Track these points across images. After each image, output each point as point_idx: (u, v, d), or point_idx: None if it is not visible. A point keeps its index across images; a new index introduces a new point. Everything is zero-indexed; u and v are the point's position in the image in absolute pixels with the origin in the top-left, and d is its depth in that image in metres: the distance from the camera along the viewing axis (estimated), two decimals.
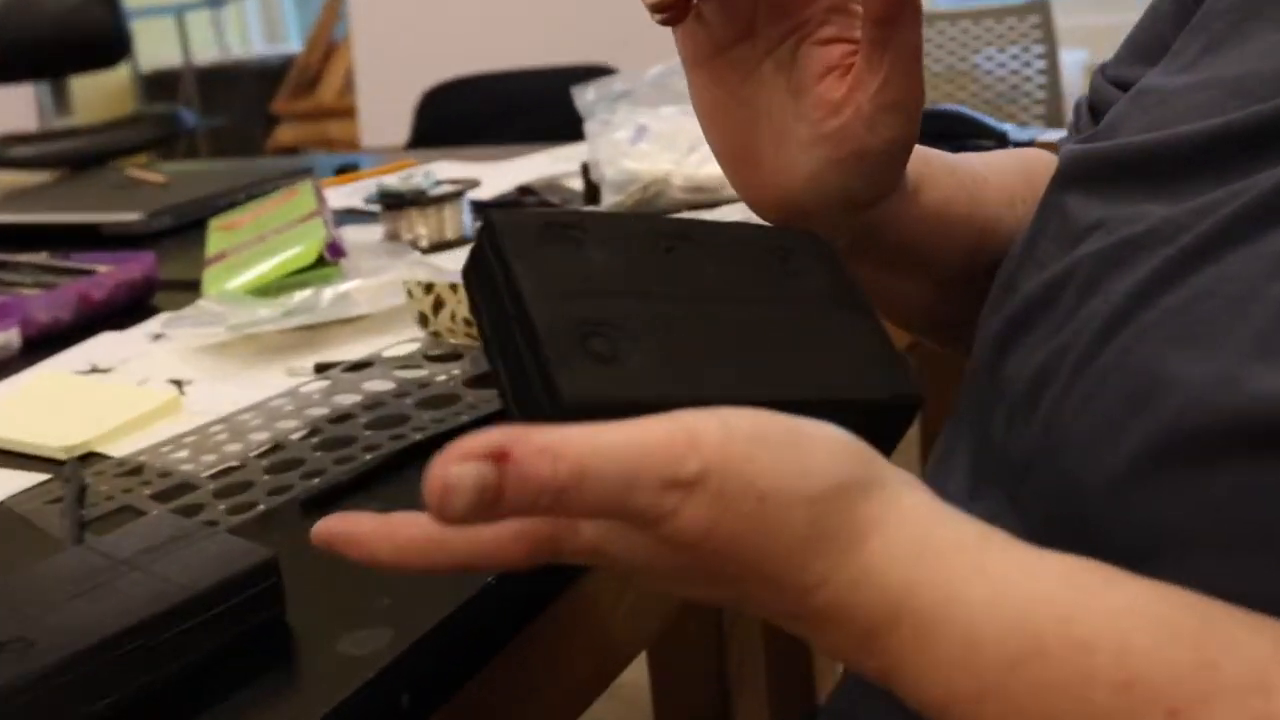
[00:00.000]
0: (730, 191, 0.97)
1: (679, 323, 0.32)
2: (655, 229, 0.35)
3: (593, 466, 0.26)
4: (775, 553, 0.27)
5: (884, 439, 0.33)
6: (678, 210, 0.94)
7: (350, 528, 0.29)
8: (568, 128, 1.48)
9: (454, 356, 0.67)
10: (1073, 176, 0.41)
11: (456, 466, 0.25)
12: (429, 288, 0.69)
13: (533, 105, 1.83)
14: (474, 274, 0.33)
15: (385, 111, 2.27)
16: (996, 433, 0.39)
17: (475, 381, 0.63)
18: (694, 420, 0.27)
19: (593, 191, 1.04)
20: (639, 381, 0.29)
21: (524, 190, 1.12)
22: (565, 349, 0.29)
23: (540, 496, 0.26)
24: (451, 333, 0.69)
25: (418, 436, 0.57)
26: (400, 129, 2.08)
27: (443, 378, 0.64)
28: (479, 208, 1.03)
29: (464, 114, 1.89)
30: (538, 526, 0.29)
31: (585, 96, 0.98)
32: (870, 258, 0.46)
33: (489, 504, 0.26)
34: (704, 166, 0.95)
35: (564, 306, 0.30)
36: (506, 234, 0.32)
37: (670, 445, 0.26)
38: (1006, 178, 0.50)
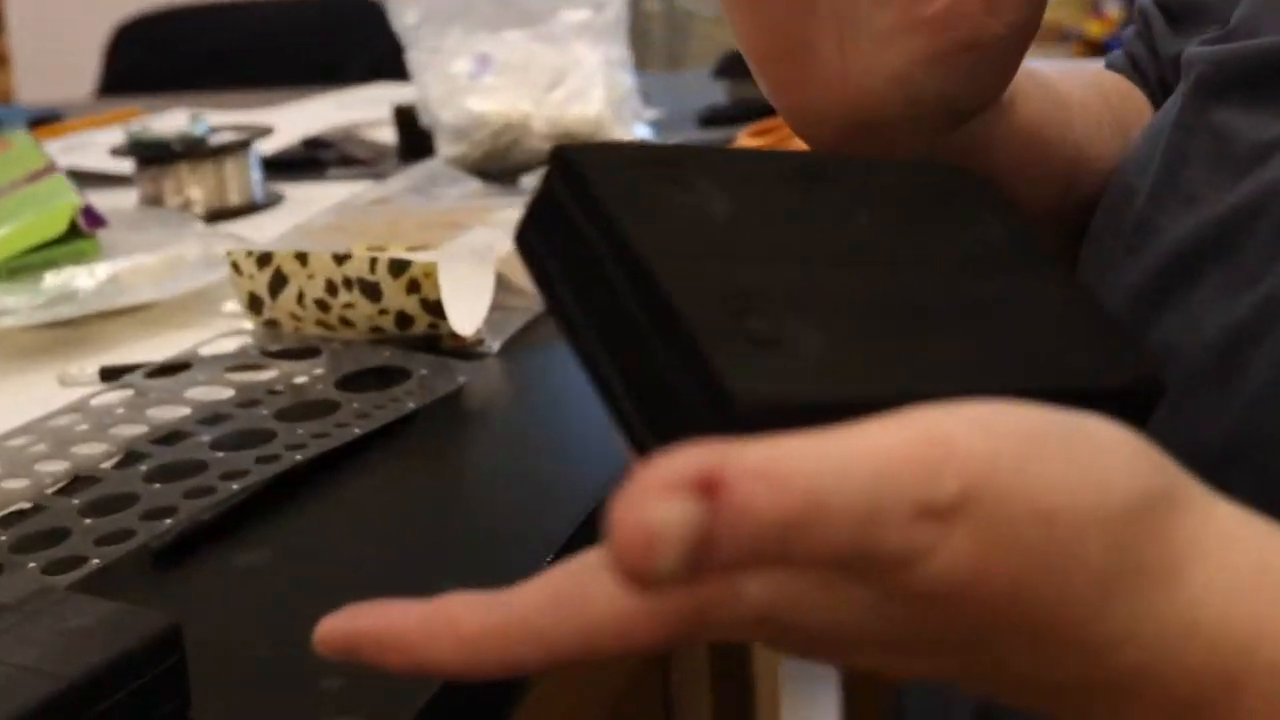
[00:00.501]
0: (609, 133, 0.94)
1: (850, 291, 0.30)
2: (777, 166, 0.33)
3: (832, 495, 0.23)
4: (1066, 597, 0.25)
5: None
6: (535, 161, 0.92)
7: (385, 624, 0.26)
8: (338, 69, 1.42)
9: (308, 352, 0.63)
10: (1219, 86, 0.41)
11: (659, 506, 0.22)
12: (264, 260, 0.63)
13: (275, 42, 1.75)
14: (543, 234, 0.30)
15: (51, 55, 2.13)
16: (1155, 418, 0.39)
17: (349, 383, 0.60)
18: (941, 422, 0.25)
19: (415, 142, 1.01)
20: (830, 374, 0.27)
21: (315, 144, 1.07)
22: (719, 333, 0.26)
23: (763, 542, 0.23)
24: (298, 320, 0.65)
25: (298, 457, 0.53)
26: (74, 77, 1.96)
27: (302, 379, 0.60)
28: (277, 166, 0.97)
29: (178, 54, 1.78)
30: (681, 595, 0.25)
31: (405, 18, 0.93)
32: None
33: (704, 557, 0.22)
34: (571, 106, 0.92)
35: (701, 273, 0.28)
36: (596, 173, 0.29)
37: (919, 459, 0.24)
38: (1087, 95, 0.49)
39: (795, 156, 0.34)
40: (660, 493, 0.22)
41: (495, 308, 0.66)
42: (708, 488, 0.22)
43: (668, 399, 0.27)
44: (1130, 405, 0.32)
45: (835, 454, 0.24)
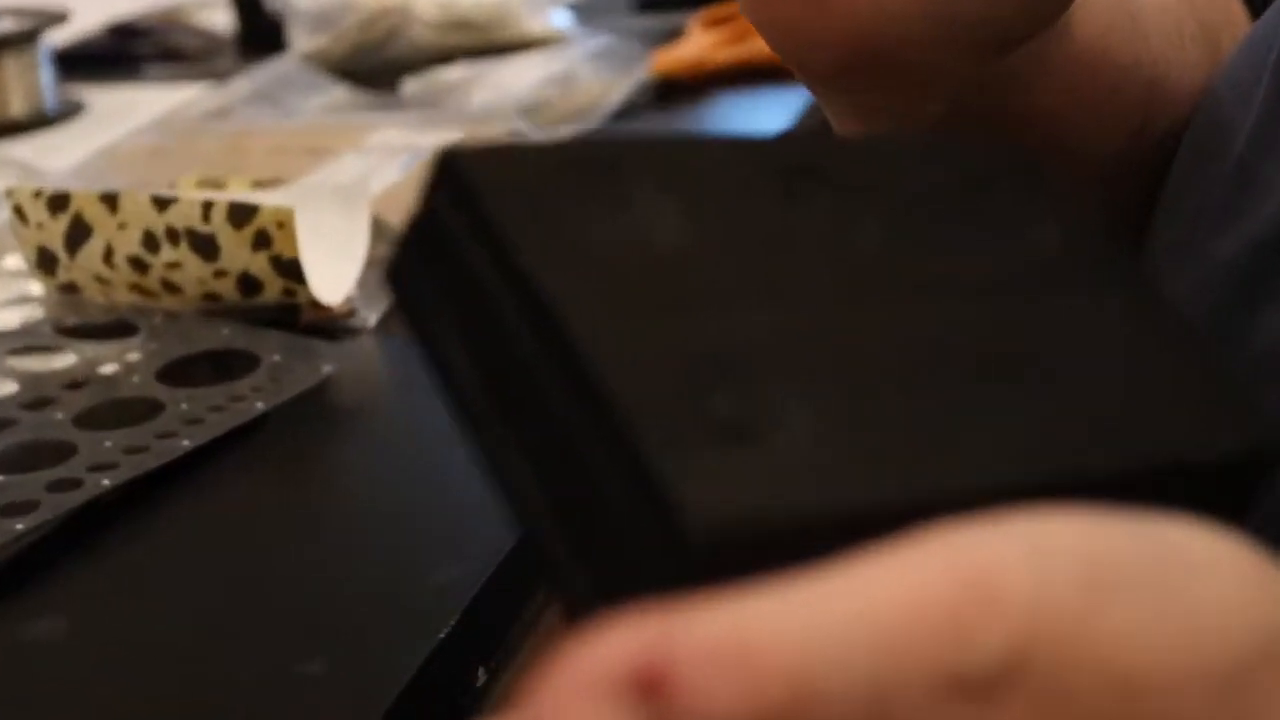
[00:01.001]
0: (512, 29, 0.92)
1: (852, 342, 0.28)
2: (750, 161, 0.31)
3: (825, 679, 0.22)
4: None
5: (1227, 513, 0.30)
6: (422, 60, 0.89)
7: None
8: None
9: (119, 329, 0.60)
10: None
11: (582, 709, 0.22)
12: (58, 202, 0.61)
13: None
14: (423, 272, 0.28)
15: None
16: None
17: (175, 373, 0.56)
18: (974, 550, 0.23)
19: (260, 30, 0.98)
20: (827, 477, 0.25)
21: (125, 32, 1.03)
22: (667, 421, 0.25)
23: None
24: (105, 284, 0.62)
25: (105, 483, 0.50)
26: None
27: (111, 368, 0.57)
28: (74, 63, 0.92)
29: None
30: None
31: None
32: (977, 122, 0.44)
33: None
34: None
35: (641, 332, 0.26)
36: (496, 187, 0.27)
37: (945, 610, 0.23)
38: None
39: (775, 146, 0.32)
40: (583, 695, 0.22)
41: (371, 266, 0.63)
42: (649, 685, 0.21)
43: (599, 521, 0.25)
44: (1238, 481, 0.30)
45: (827, 614, 0.22)
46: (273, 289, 0.60)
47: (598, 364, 0.25)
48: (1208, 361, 0.32)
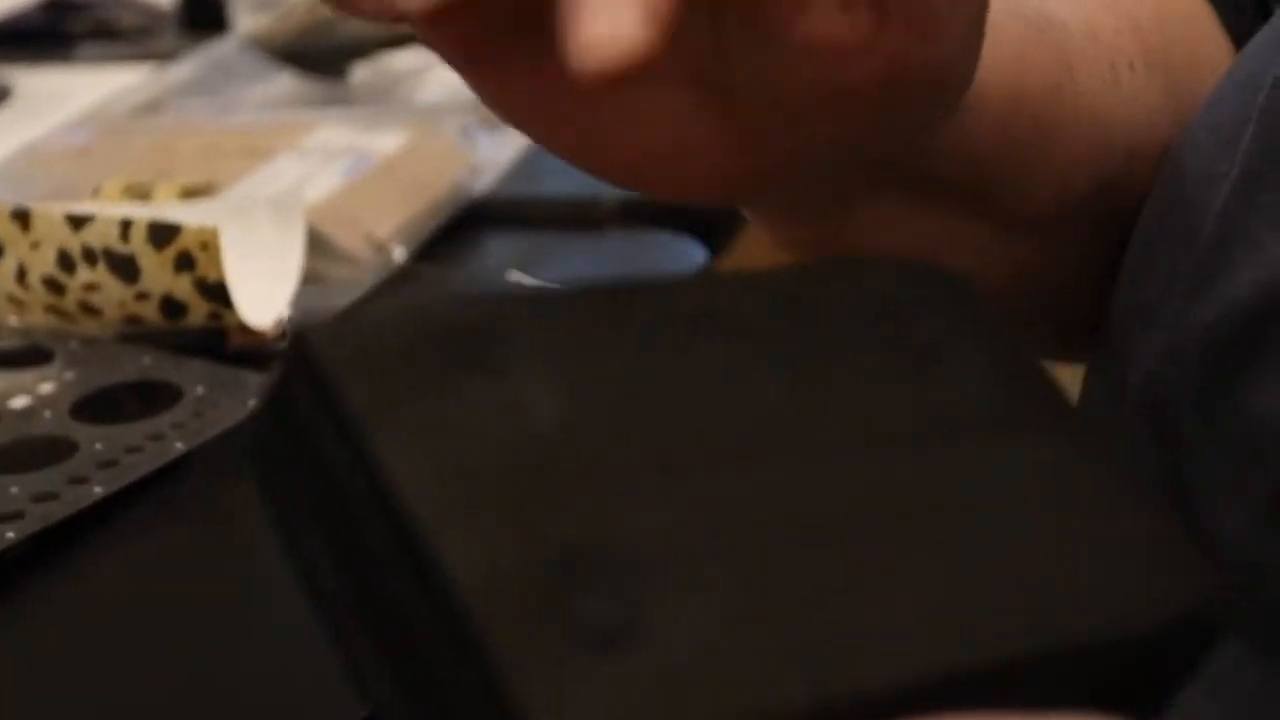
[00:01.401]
0: None
1: (747, 520, 0.26)
2: (641, 314, 0.29)
3: None
4: None
5: (1160, 682, 0.29)
6: (367, 47, 0.86)
7: None
8: None
9: (33, 355, 0.57)
10: None
11: None
12: None
13: None
14: (279, 455, 0.27)
15: None
16: (1227, 527, 0.37)
17: (89, 408, 0.54)
18: None
19: (202, 9, 0.96)
20: (702, 686, 0.23)
21: (57, 6, 0.99)
22: (527, 632, 0.23)
23: None
24: (19, 307, 0.59)
25: (10, 536, 0.47)
26: None
27: (23, 401, 0.55)
28: None
29: None
30: None
31: None
32: (883, 192, 0.42)
33: None
34: None
35: (503, 529, 0.24)
36: (348, 368, 0.26)
37: None
38: (1094, 17, 0.46)
39: (668, 293, 0.30)
40: None
41: (307, 282, 0.61)
42: None
43: None
44: (1186, 642, 0.29)
45: None
46: (198, 313, 0.57)
47: (447, 566, 0.23)
48: (1148, 512, 0.30)
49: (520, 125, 0.38)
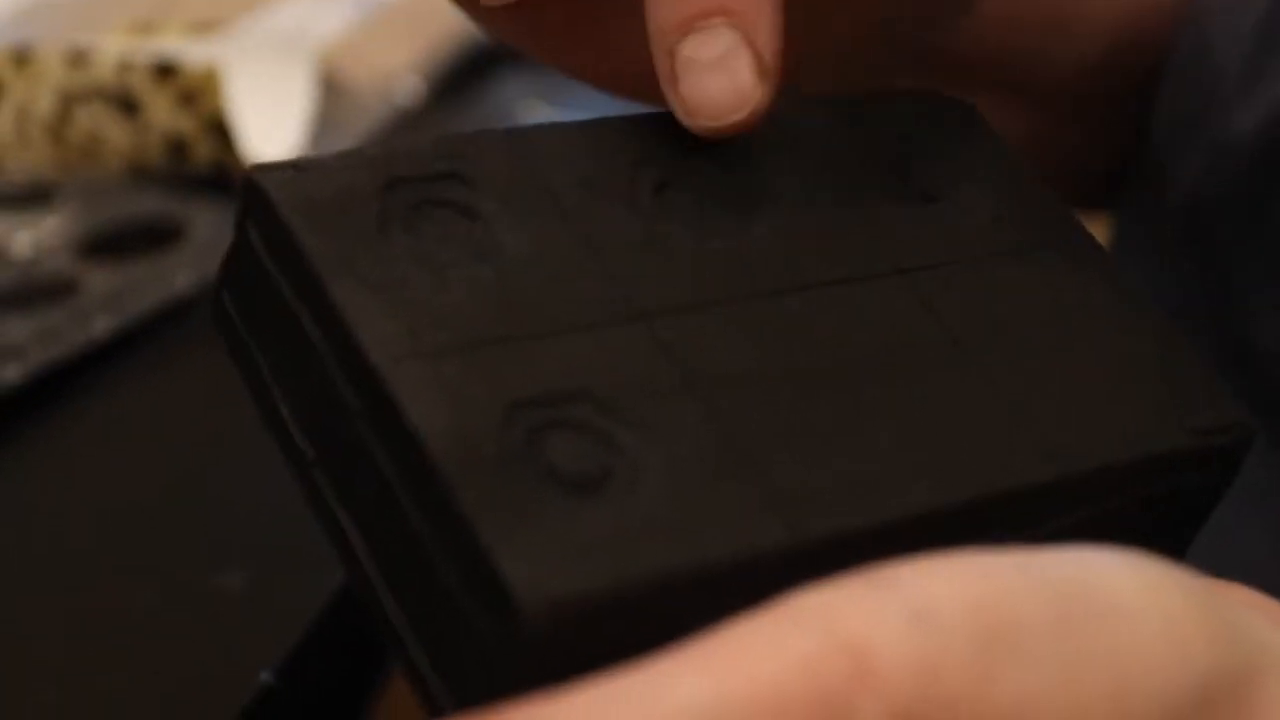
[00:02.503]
0: None
1: (733, 359, 0.25)
2: (619, 142, 0.28)
3: None
4: None
5: (1185, 523, 0.29)
6: None
7: None
8: None
9: (35, 195, 0.57)
10: None
11: None
12: None
13: None
14: (243, 308, 0.26)
15: None
16: (1270, 340, 0.37)
17: (93, 248, 0.54)
18: (848, 615, 0.21)
19: None
20: (680, 529, 0.23)
21: None
22: (496, 478, 0.22)
23: None
24: (21, 149, 0.59)
25: (12, 374, 0.47)
26: None
27: (25, 242, 0.54)
28: None
29: None
30: None
31: None
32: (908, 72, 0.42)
33: None
34: None
35: (471, 375, 0.23)
36: (304, 211, 0.25)
37: (813, 692, 0.20)
38: None
39: (656, 129, 0.28)
40: None
41: (318, 122, 0.60)
42: None
43: (429, 592, 0.23)
44: (1202, 473, 0.27)
45: (681, 705, 0.20)
46: (202, 151, 0.57)
47: (411, 415, 0.22)
48: (1160, 339, 0.29)
49: (547, 57, 0.36)
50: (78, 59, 0.56)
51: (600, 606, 0.21)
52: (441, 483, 0.22)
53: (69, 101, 0.56)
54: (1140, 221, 0.44)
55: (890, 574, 0.21)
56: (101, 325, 0.49)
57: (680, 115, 0.28)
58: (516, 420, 0.23)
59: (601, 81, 0.37)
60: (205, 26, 0.64)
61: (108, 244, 0.54)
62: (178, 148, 0.57)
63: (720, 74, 0.27)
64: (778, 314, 0.26)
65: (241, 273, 0.25)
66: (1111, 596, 0.22)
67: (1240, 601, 0.24)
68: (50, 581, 0.41)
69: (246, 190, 0.25)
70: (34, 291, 0.51)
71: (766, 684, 0.20)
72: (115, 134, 0.57)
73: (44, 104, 0.57)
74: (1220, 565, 0.38)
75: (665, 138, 0.28)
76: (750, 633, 0.20)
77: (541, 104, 0.65)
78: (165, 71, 0.55)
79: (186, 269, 0.52)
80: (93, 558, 0.42)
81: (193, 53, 0.57)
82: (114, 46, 0.59)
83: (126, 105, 0.56)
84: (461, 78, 0.66)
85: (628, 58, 0.36)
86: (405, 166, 0.26)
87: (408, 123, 0.63)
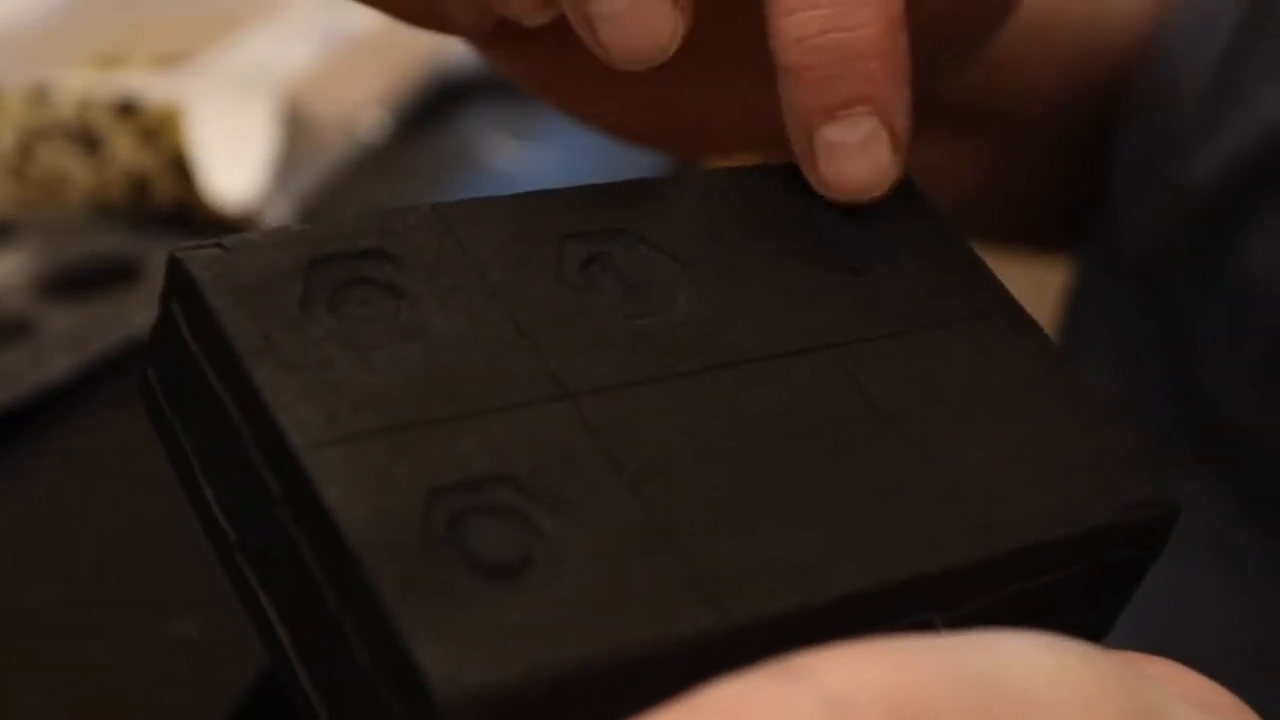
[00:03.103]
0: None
1: (656, 438, 0.25)
2: (548, 218, 0.28)
3: None
4: None
5: (1113, 594, 0.29)
6: None
7: None
8: None
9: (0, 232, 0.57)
10: None
11: None
12: None
13: None
14: (169, 385, 0.26)
15: None
16: (1220, 388, 0.37)
17: (52, 287, 0.54)
18: (761, 702, 0.21)
19: None
20: (600, 616, 0.23)
21: None
22: (411, 565, 0.22)
23: None
24: None
25: None
26: None
27: None
28: None
29: None
30: None
31: None
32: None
33: None
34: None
35: (389, 459, 0.23)
36: (224, 294, 0.24)
37: None
38: None
39: (580, 201, 0.28)
40: None
41: (282, 158, 0.60)
42: None
43: (348, 683, 0.22)
44: (1130, 547, 0.27)
45: None
46: (164, 189, 0.57)
47: (331, 501, 0.22)
48: (1095, 411, 0.28)
49: (570, 109, 0.37)
50: (39, 96, 0.56)
51: (519, 695, 0.21)
52: (360, 569, 0.21)
53: (30, 138, 0.56)
54: (1099, 265, 0.44)
55: (804, 663, 0.21)
56: (60, 365, 0.49)
57: (818, 188, 0.29)
58: (438, 505, 0.23)
59: (593, 121, 0.38)
60: (170, 59, 0.64)
61: (68, 282, 0.53)
62: (139, 185, 0.56)
63: (862, 158, 0.28)
64: (705, 392, 0.26)
65: (166, 352, 0.25)
66: (1027, 685, 0.22)
67: (1154, 676, 0.24)
68: (1, 626, 0.41)
69: (171, 270, 0.25)
70: None
71: None
72: (77, 171, 0.56)
73: (5, 141, 0.56)
74: (1174, 613, 0.38)
75: (593, 211, 0.28)
76: None
77: (509, 139, 0.65)
78: (126, 109, 0.55)
79: (145, 307, 0.52)
80: (45, 600, 0.42)
81: (155, 89, 0.57)
82: (77, 81, 0.59)
83: (88, 142, 0.56)
84: (428, 112, 0.66)
85: (628, 104, 0.36)
86: (331, 244, 0.25)
87: (373, 158, 0.63)
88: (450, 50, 0.68)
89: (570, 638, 0.22)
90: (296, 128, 0.61)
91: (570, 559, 0.23)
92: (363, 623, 0.22)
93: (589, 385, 0.25)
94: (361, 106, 0.64)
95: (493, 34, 0.33)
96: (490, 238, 0.26)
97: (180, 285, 0.25)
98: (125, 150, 0.56)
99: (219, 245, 0.25)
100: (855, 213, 0.30)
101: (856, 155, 0.28)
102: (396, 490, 0.22)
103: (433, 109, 0.66)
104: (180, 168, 0.56)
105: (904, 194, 0.31)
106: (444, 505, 0.23)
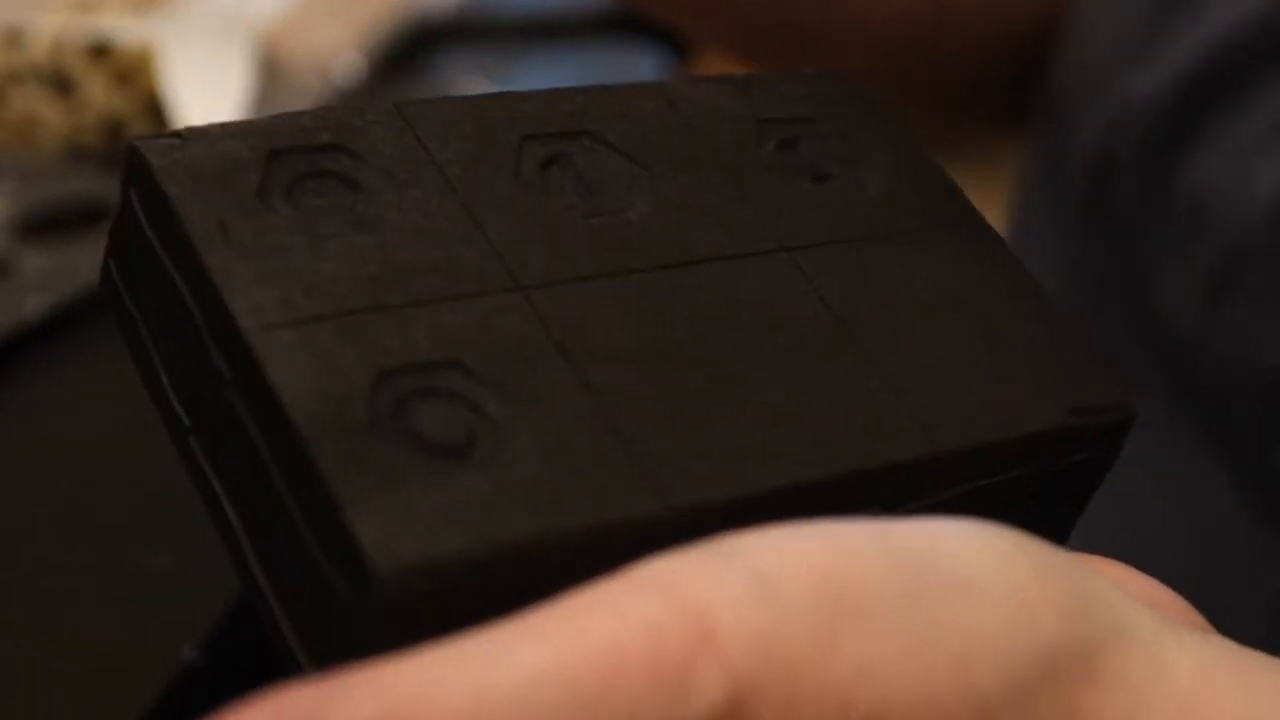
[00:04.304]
0: None
1: (610, 331, 0.25)
2: (509, 116, 0.28)
3: None
4: None
5: (1069, 500, 0.29)
6: None
7: None
8: None
9: None
10: None
11: None
12: None
13: None
14: (129, 277, 0.26)
15: None
16: (1170, 300, 0.37)
17: (29, 229, 0.54)
18: (690, 581, 0.21)
19: None
20: (538, 497, 0.23)
21: None
22: (355, 446, 0.22)
23: None
24: None
25: None
26: None
27: None
28: None
29: None
30: None
31: None
32: None
33: None
34: None
35: (339, 343, 0.23)
36: (181, 183, 0.25)
37: (651, 657, 0.21)
38: None
39: (541, 102, 0.28)
40: None
41: (257, 102, 0.60)
42: None
43: (296, 562, 0.23)
44: (1083, 453, 0.28)
45: (511, 672, 0.20)
46: (140, 130, 0.57)
47: (277, 383, 0.22)
48: (1049, 318, 0.29)
49: None
50: (11, 40, 0.56)
51: (456, 571, 0.21)
52: (304, 446, 0.22)
53: (3, 82, 0.56)
54: (1044, 181, 0.44)
55: (737, 543, 0.21)
56: (34, 305, 0.49)
57: None
58: (385, 388, 0.23)
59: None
60: (144, 5, 0.64)
61: (42, 224, 0.54)
62: (114, 128, 0.57)
63: None
64: (659, 289, 0.26)
65: (125, 241, 0.25)
66: (960, 568, 0.22)
67: (1101, 575, 0.24)
68: None
69: (130, 159, 0.25)
70: None
71: (605, 649, 0.20)
72: (51, 114, 0.56)
73: None
74: (1119, 530, 0.38)
75: (555, 113, 0.28)
76: (593, 600, 0.20)
77: (484, 80, 0.65)
78: (100, 51, 0.55)
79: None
80: (20, 534, 0.43)
81: (129, 32, 0.57)
82: (50, 24, 0.58)
83: (61, 85, 0.56)
84: (402, 55, 0.66)
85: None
86: (289, 137, 0.26)
87: (347, 101, 0.63)
88: None
89: (511, 518, 0.22)
90: (270, 71, 0.61)
91: (515, 443, 0.23)
92: (306, 500, 0.22)
93: (542, 279, 0.25)
94: (335, 50, 0.64)
95: None
96: (450, 135, 0.27)
97: (138, 173, 0.25)
98: (99, 93, 0.56)
99: (177, 135, 0.25)
100: (817, 123, 0.30)
101: None
102: (344, 372, 0.23)
103: (406, 53, 0.66)
104: (154, 110, 0.56)
105: (867, 105, 0.31)
106: (391, 387, 0.23)
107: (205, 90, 0.58)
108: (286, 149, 0.25)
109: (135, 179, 0.25)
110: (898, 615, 0.21)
